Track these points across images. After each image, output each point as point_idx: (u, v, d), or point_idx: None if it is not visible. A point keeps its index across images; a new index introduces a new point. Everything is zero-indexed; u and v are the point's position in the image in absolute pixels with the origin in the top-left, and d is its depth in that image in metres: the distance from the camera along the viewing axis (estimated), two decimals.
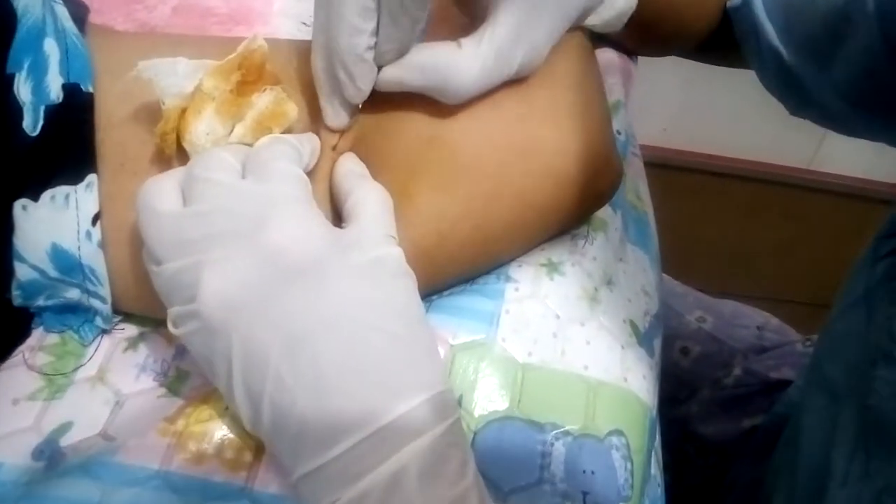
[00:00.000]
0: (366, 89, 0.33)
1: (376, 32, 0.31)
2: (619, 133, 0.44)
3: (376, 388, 0.27)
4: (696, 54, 0.49)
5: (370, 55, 0.32)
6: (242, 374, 0.27)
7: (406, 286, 0.29)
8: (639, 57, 0.51)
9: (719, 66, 0.50)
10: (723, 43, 0.45)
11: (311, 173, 0.33)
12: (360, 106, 0.34)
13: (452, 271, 0.36)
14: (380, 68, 0.33)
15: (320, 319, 0.27)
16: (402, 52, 0.32)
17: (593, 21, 0.38)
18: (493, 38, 0.32)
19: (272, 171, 0.30)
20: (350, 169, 0.33)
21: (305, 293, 0.27)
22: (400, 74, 0.33)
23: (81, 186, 0.32)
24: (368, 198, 0.31)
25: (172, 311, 0.28)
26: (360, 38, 0.31)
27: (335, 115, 0.33)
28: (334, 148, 0.34)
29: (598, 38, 0.47)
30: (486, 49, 0.32)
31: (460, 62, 0.32)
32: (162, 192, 0.29)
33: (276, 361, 0.26)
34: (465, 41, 0.32)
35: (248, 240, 0.28)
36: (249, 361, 0.27)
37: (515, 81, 0.35)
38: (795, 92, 0.43)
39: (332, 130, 0.34)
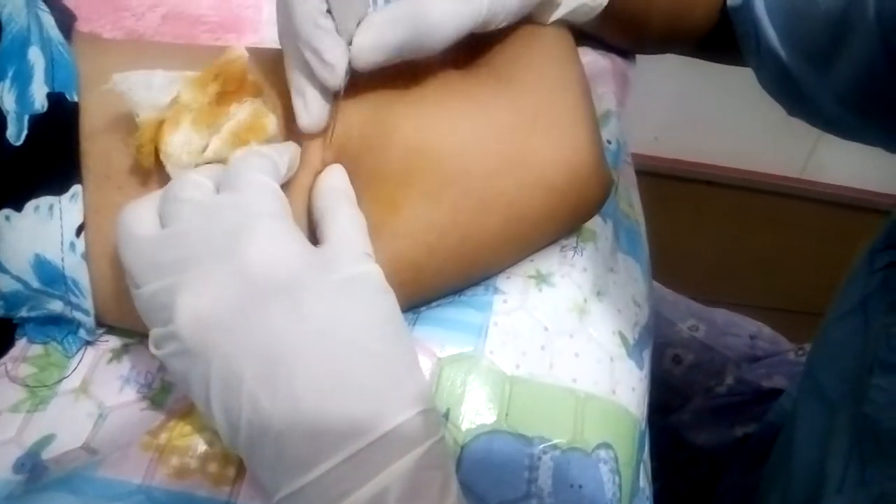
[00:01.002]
0: (336, 63, 0.31)
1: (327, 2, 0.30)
2: (609, 143, 0.44)
3: (355, 408, 0.26)
4: (695, 52, 0.49)
5: (330, 25, 0.31)
6: (220, 396, 0.26)
7: (386, 303, 0.29)
8: (630, 66, 0.51)
9: (718, 63, 0.50)
10: (722, 42, 0.45)
11: (291, 187, 0.33)
12: (337, 111, 0.33)
13: (441, 283, 0.35)
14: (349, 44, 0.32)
15: (296, 340, 0.26)
16: (362, 14, 0.31)
17: (573, 4, 0.38)
18: None
19: (245, 184, 0.29)
20: (329, 185, 0.32)
21: (280, 313, 0.26)
22: (372, 36, 0.31)
23: (66, 197, 0.32)
24: (341, 216, 0.31)
25: (153, 334, 0.28)
26: (312, 8, 0.30)
27: (308, 111, 0.32)
28: (322, 161, 0.34)
29: (591, 40, 0.47)
30: None
31: (428, 5, 0.31)
32: (139, 217, 0.29)
33: (251, 384, 0.26)
34: None
35: (221, 258, 0.27)
36: (226, 384, 0.26)
37: (502, 87, 0.35)
38: (793, 93, 0.43)
39: (306, 131, 0.33)
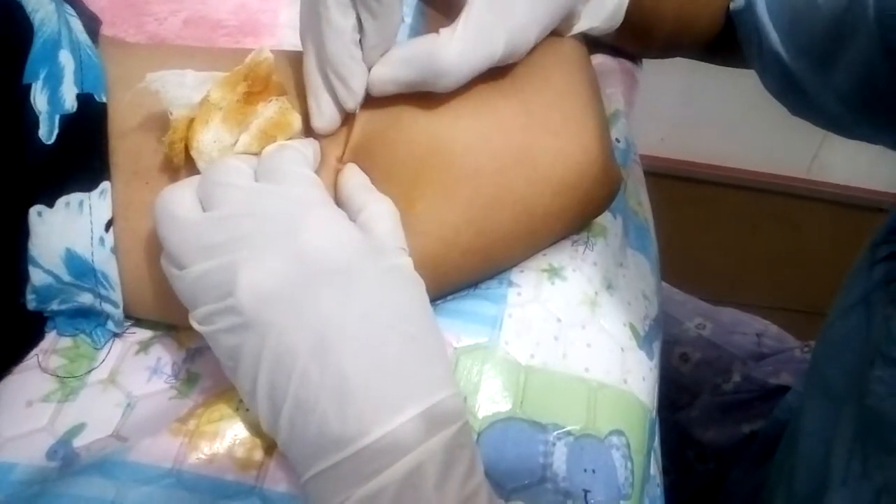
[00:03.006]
0: (358, 90, 0.34)
1: (359, 29, 0.32)
2: (618, 141, 0.45)
3: (395, 387, 0.27)
4: (700, 56, 0.50)
5: (358, 54, 0.33)
6: (270, 370, 0.27)
7: (421, 292, 0.31)
8: (637, 68, 0.51)
9: (721, 66, 0.51)
10: (726, 45, 0.46)
11: None
12: (355, 111, 0.35)
13: (456, 277, 0.37)
14: (370, 69, 0.34)
15: (350, 320, 0.28)
16: (387, 46, 0.33)
17: (590, 24, 0.39)
18: (469, 19, 0.33)
19: (288, 175, 0.31)
20: (360, 182, 0.34)
21: (334, 294, 0.28)
22: (388, 72, 0.34)
23: (95, 193, 0.33)
24: (383, 211, 0.32)
25: (202, 311, 0.29)
26: (345, 36, 0.32)
27: (321, 115, 0.34)
28: (339, 159, 0.35)
29: (600, 45, 0.48)
30: (462, 30, 0.33)
31: (440, 47, 0.33)
32: (180, 200, 0.30)
33: (304, 359, 0.27)
34: (444, 28, 0.33)
35: (281, 241, 0.28)
36: (279, 358, 0.27)
37: (513, 90, 0.36)
38: (796, 94, 0.44)
39: (319, 133, 0.35)
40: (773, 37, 0.42)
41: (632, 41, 0.47)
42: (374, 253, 0.30)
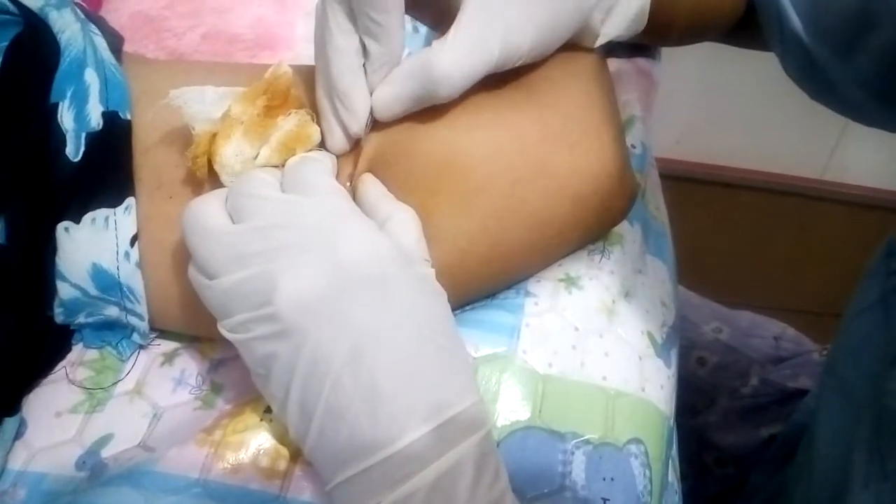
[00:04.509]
0: (361, 113, 0.34)
1: (364, 54, 0.33)
2: (634, 147, 0.45)
3: (425, 394, 0.28)
4: (720, 40, 0.50)
5: (361, 77, 0.34)
6: (304, 376, 0.28)
7: (444, 302, 0.31)
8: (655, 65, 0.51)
9: (741, 48, 0.50)
10: (746, 29, 0.46)
11: None
12: (360, 136, 0.35)
13: (473, 287, 0.37)
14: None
15: (385, 329, 0.28)
16: (391, 68, 0.34)
17: (615, 32, 0.39)
18: (460, 28, 0.33)
19: (317, 186, 0.31)
20: (381, 192, 0.35)
21: (374, 303, 0.29)
22: (389, 91, 0.34)
23: (120, 209, 0.34)
24: (410, 221, 0.33)
25: (236, 319, 0.29)
26: (348, 59, 0.33)
27: (333, 138, 0.35)
28: (350, 176, 0.36)
29: (616, 45, 0.48)
30: (453, 39, 0.33)
31: (433, 57, 0.33)
32: (209, 212, 0.31)
33: (338, 367, 0.27)
34: (436, 40, 0.34)
35: (318, 251, 0.29)
36: (314, 365, 0.28)
37: (530, 101, 0.36)
38: (817, 80, 0.44)
39: (332, 152, 0.35)
40: (795, 21, 0.42)
41: (651, 35, 0.47)
42: (405, 262, 0.30)
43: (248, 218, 0.30)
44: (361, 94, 0.34)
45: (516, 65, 0.36)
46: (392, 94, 0.34)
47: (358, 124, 0.34)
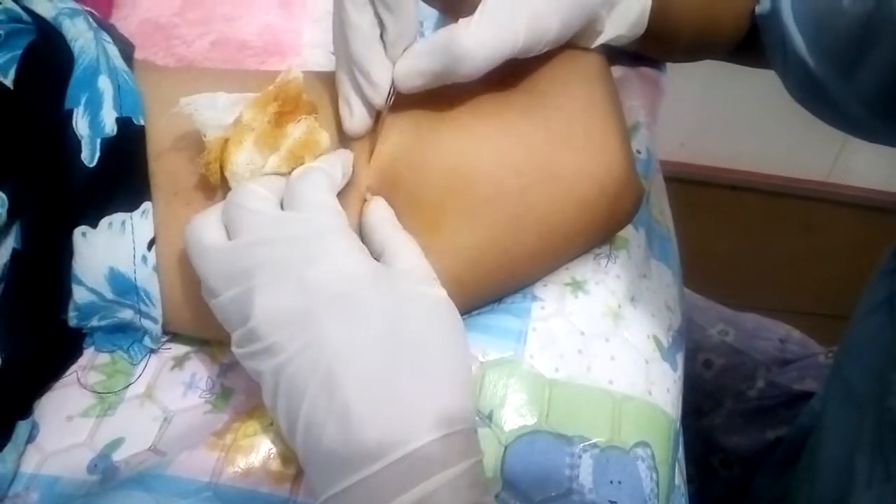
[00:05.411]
0: (383, 84, 0.34)
1: (381, 25, 0.33)
2: (639, 152, 0.45)
3: (398, 417, 0.28)
4: (724, 58, 0.50)
5: (380, 49, 0.34)
6: (286, 393, 0.28)
7: (446, 320, 0.31)
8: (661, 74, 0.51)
9: (743, 66, 0.51)
10: (749, 47, 0.46)
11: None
12: (379, 129, 0.35)
13: (481, 294, 0.37)
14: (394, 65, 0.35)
15: (356, 348, 0.28)
16: (409, 40, 0.34)
17: (615, 32, 0.39)
18: (486, 7, 0.33)
19: (308, 203, 0.32)
20: (381, 216, 0.35)
21: (344, 322, 0.29)
22: (411, 63, 0.34)
23: (137, 213, 0.34)
24: (407, 245, 0.33)
25: (233, 337, 0.30)
26: (365, 33, 0.33)
27: (353, 118, 0.35)
28: (368, 187, 0.36)
29: (621, 53, 0.49)
30: (479, 18, 0.33)
31: (458, 33, 0.33)
32: (206, 228, 0.31)
33: (314, 385, 0.28)
34: (463, 18, 0.34)
35: (294, 269, 0.29)
36: (292, 382, 0.28)
37: (535, 105, 0.36)
38: (819, 98, 0.44)
39: (351, 136, 0.35)
40: (798, 41, 0.42)
41: (655, 47, 0.47)
42: (387, 282, 0.30)
43: (238, 233, 0.31)
44: (382, 65, 0.34)
45: (541, 52, 0.36)
46: (414, 66, 0.34)
47: (380, 96, 0.34)
